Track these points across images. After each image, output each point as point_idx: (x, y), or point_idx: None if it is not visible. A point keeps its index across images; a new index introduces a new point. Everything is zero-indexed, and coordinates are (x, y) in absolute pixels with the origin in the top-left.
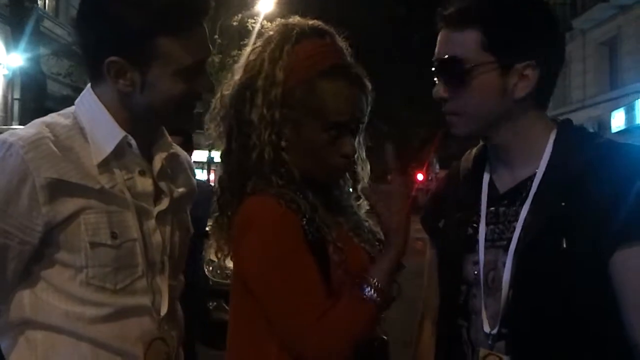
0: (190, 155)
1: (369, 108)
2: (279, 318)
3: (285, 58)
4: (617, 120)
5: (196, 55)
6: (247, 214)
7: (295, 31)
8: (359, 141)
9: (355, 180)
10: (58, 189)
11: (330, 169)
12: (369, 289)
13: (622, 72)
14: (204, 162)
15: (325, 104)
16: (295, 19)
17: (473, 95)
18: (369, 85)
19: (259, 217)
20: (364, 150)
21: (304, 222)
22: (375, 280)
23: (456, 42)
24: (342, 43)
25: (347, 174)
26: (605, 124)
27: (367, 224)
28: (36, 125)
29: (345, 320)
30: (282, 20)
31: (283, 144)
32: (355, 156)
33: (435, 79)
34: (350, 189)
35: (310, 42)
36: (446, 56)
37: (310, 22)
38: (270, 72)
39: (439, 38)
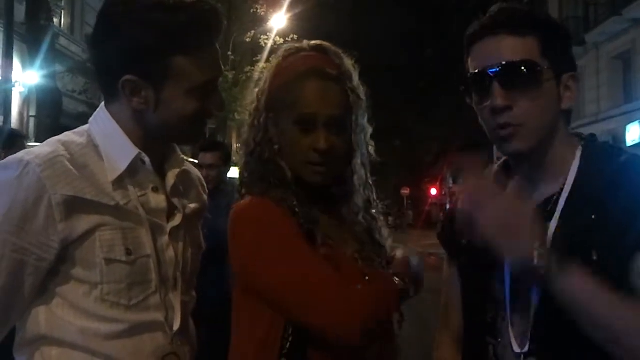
0: (229, 169)
1: (361, 111)
2: (298, 303)
3: (274, 69)
4: (632, 134)
5: (209, 73)
6: (236, 214)
7: (293, 48)
8: (348, 143)
9: (350, 187)
10: (74, 206)
11: (307, 168)
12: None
13: (636, 85)
14: None
15: (294, 99)
16: (304, 41)
17: (540, 102)
18: (353, 86)
19: (248, 214)
20: (360, 156)
21: (299, 219)
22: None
23: (520, 47)
24: (341, 60)
25: (356, 184)
26: (619, 138)
27: (378, 242)
28: (51, 144)
29: (371, 296)
30: (290, 43)
31: (275, 147)
32: (354, 162)
33: (480, 88)
34: (360, 203)
35: (302, 54)
36: (515, 60)
37: (314, 42)
38: (263, 84)
39: (489, 43)
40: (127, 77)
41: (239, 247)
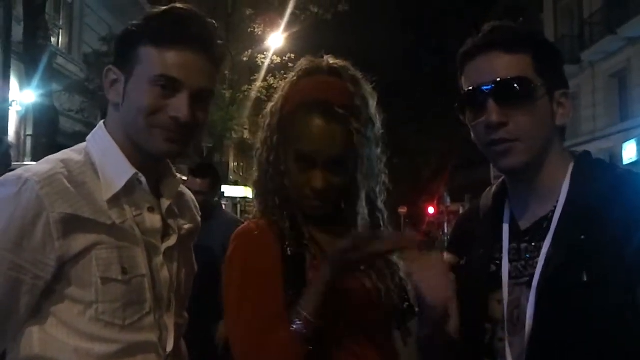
0: (217, 194)
1: (369, 147)
2: (229, 333)
3: (286, 89)
4: (629, 152)
5: (174, 71)
6: (232, 240)
7: (310, 66)
8: (351, 181)
9: (354, 223)
10: (71, 224)
11: (302, 200)
12: (298, 322)
13: (632, 103)
14: None
15: (296, 133)
16: (324, 58)
17: (534, 118)
18: (360, 125)
19: (236, 242)
20: (366, 196)
21: (285, 242)
22: (305, 313)
23: (514, 64)
24: (357, 86)
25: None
26: (616, 156)
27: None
28: (50, 162)
29: (275, 346)
30: (309, 57)
31: (282, 167)
32: (359, 203)
33: (476, 104)
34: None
35: (316, 78)
36: (509, 77)
37: (332, 61)
38: (275, 101)
39: (482, 61)
40: (110, 66)
41: (225, 274)
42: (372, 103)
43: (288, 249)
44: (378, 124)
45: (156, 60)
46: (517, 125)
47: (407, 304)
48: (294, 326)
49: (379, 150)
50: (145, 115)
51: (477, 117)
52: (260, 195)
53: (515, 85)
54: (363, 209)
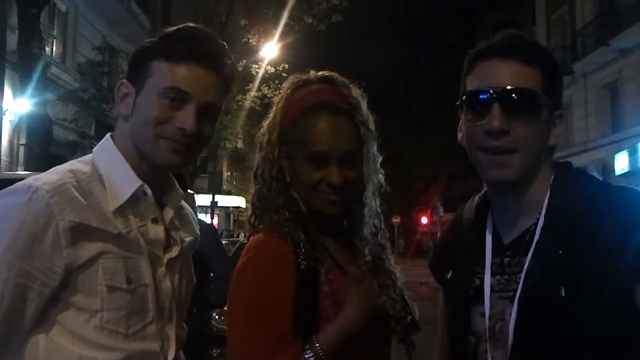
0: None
1: (371, 142)
2: (230, 348)
3: (282, 103)
4: (621, 163)
5: (181, 83)
6: (243, 255)
7: (301, 79)
8: (361, 174)
9: (360, 218)
10: (80, 232)
11: (320, 200)
12: (310, 354)
13: (624, 114)
14: (207, 206)
15: (306, 136)
16: (310, 71)
17: (534, 133)
18: (363, 118)
19: (249, 254)
20: (371, 187)
21: (300, 255)
22: (318, 347)
23: (527, 76)
24: (349, 90)
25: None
26: (609, 167)
27: (388, 272)
28: (58, 172)
29: None
30: (296, 74)
31: (287, 179)
32: (365, 194)
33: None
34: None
35: (311, 87)
36: (520, 87)
37: (320, 72)
38: (273, 117)
39: (495, 65)
40: (122, 80)
41: (232, 287)
42: (364, 104)
43: (302, 262)
44: (372, 124)
45: (167, 73)
46: (518, 135)
47: (410, 317)
48: (305, 355)
49: (375, 149)
50: (153, 125)
51: (477, 119)
52: (266, 211)
53: (525, 97)
54: (370, 200)
